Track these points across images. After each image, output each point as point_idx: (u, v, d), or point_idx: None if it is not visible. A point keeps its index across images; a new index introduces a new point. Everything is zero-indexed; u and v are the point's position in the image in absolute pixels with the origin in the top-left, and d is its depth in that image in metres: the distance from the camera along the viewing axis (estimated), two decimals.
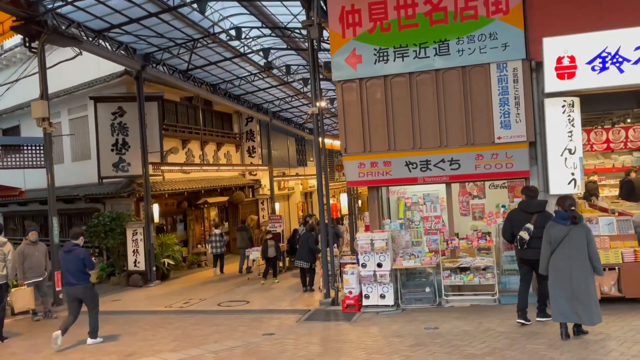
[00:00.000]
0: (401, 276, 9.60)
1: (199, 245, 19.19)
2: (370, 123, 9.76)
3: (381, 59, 9.56)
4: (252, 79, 18.48)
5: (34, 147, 12.82)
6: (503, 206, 9.84)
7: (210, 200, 19.39)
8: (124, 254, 15.00)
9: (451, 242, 9.31)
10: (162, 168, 15.12)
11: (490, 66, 9.11)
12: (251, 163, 22.90)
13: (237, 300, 11.32)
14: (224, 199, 20.60)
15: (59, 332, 7.89)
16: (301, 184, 30.08)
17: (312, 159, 32.93)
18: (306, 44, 15.46)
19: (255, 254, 14.44)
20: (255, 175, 23.22)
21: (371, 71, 9.64)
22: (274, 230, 16.00)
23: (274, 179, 23.88)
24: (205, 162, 19.21)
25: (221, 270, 16.01)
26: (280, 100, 22.34)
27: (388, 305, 9.26)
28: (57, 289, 11.26)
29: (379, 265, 9.35)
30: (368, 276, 9.39)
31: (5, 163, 15.43)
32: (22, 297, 10.24)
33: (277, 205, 23.65)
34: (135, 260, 14.70)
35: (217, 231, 16.22)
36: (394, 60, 9.50)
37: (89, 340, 8.14)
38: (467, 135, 9.28)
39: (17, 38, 14.04)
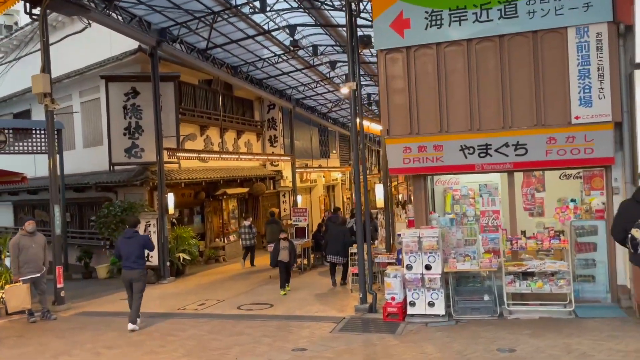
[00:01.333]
0: (452, 281, 8.15)
1: (216, 239, 17.94)
2: (419, 100, 8.31)
3: (433, 23, 8.09)
4: (275, 60, 17.08)
5: (43, 132, 11.69)
6: (573, 200, 8.34)
7: (230, 191, 18.12)
8: None
9: (516, 242, 7.81)
10: (178, 154, 13.84)
11: (568, 31, 7.60)
12: (272, 153, 21.57)
13: (259, 302, 9.98)
14: (244, 190, 19.31)
15: (130, 324, 8.30)
16: (324, 177, 28.69)
17: (334, 151, 31.54)
18: (337, 19, 14.12)
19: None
20: (277, 166, 21.89)
21: (421, 38, 8.19)
22: (298, 224, 14.65)
23: (296, 170, 22.53)
24: (224, 150, 17.90)
25: (252, 263, 15.33)
26: (305, 86, 20.90)
27: (438, 315, 7.84)
28: (59, 285, 10.07)
29: (428, 267, 7.93)
30: (414, 280, 7.97)
31: (12, 148, 14.40)
32: (16, 295, 9.08)
33: (299, 198, 22.31)
34: (148, 255, 13.44)
35: (247, 223, 15.48)
36: (449, 25, 8.03)
37: (130, 326, 8.32)
38: (537, 114, 7.78)
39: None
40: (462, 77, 8.07)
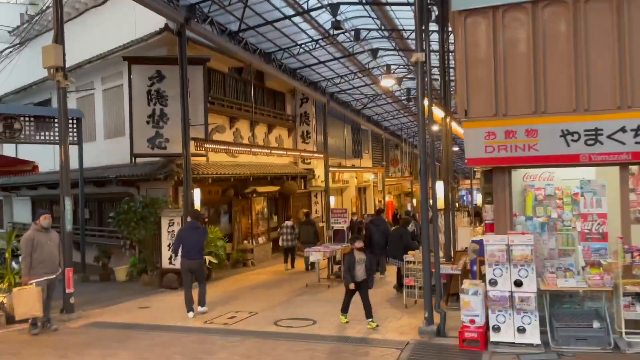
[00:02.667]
0: (547, 301, 6.49)
1: (244, 242, 16.50)
2: (507, 73, 6.69)
3: None
4: (312, 46, 15.58)
5: None
6: None
7: (260, 189, 16.66)
8: (158, 248, 12.45)
9: (639, 254, 6.10)
10: (206, 146, 12.42)
11: None
12: (305, 150, 20.07)
13: (299, 317, 8.44)
14: (275, 188, 17.84)
15: (191, 313, 8.75)
16: (356, 178, 27.09)
17: (367, 151, 29.93)
18: None
19: (316, 255, 11.46)
20: (309, 164, 20.37)
21: None
22: (337, 225, 13.10)
23: (329, 169, 20.98)
24: (255, 144, 16.46)
25: (292, 265, 14.70)
26: (341, 78, 19.34)
27: (531, 345, 6.19)
28: (68, 290, 8.69)
29: (518, 283, 6.30)
30: (500, 299, 6.34)
31: (29, 137, 13.23)
32: (25, 300, 7.67)
33: (332, 199, 20.77)
34: (171, 257, 12.09)
35: (289, 223, 14.87)
36: None
37: (200, 309, 8.94)
38: None
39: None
40: (564, 44, 6.43)
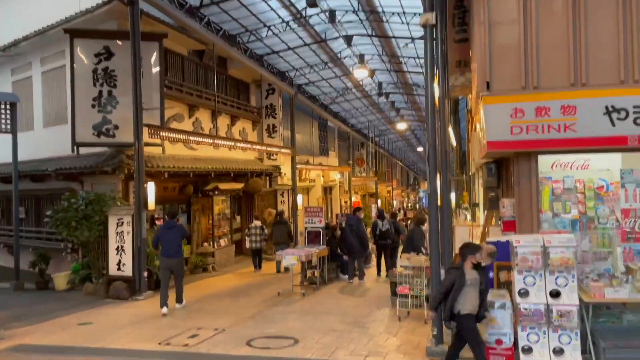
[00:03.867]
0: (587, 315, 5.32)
1: (205, 244, 14.88)
2: (540, 37, 5.49)
3: None
4: (282, 28, 14.18)
5: None
6: None
7: (223, 186, 15.09)
8: (105, 252, 10.73)
9: None
10: (162, 134, 10.77)
11: None
12: (271, 144, 18.58)
13: (276, 336, 7.01)
14: (239, 185, 16.29)
15: (165, 308, 8.51)
16: (322, 177, 25.77)
17: (333, 150, 28.69)
18: None
19: (290, 258, 10.06)
20: (275, 160, 18.88)
21: None
22: (312, 226, 11.72)
23: (297, 166, 19.58)
24: (217, 136, 14.87)
25: (259, 267, 13.76)
26: (310, 68, 18.04)
27: None
28: None
29: (555, 294, 5.10)
30: (533, 313, 5.13)
31: None
32: None
33: (299, 198, 19.39)
34: (120, 262, 10.43)
35: (258, 223, 13.85)
36: None
37: (177, 305, 8.94)
38: None
39: None
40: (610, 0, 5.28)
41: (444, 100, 6.52)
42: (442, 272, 6.07)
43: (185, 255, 13.56)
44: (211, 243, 15.17)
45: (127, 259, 10.41)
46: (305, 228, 11.78)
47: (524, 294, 5.19)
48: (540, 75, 5.49)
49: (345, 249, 11.77)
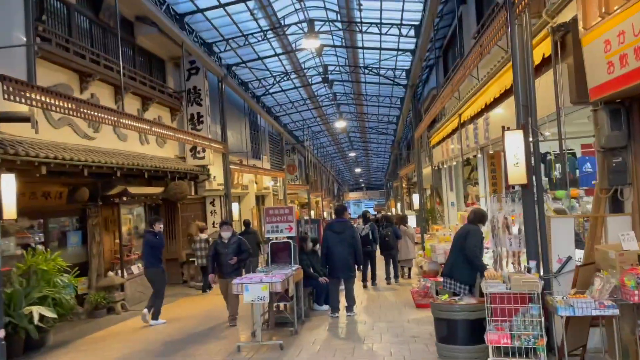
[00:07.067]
0: None
1: (110, 273, 10.43)
2: None
3: None
4: None
5: None
6: None
7: (134, 190, 10.79)
8: None
9: None
10: (31, 95, 6.44)
11: None
12: (199, 135, 14.44)
13: None
14: (157, 190, 12.04)
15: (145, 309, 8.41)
16: (256, 183, 21.81)
17: (265, 154, 24.80)
18: None
19: (256, 290, 6.07)
20: (203, 158, 14.71)
21: None
22: (277, 236, 7.86)
23: (230, 168, 15.55)
24: (125, 113, 10.50)
25: (207, 288, 11.97)
26: (245, 38, 14.21)
27: None
28: None
29: None
30: None
31: None
32: None
33: (234, 207, 15.38)
34: None
35: (203, 236, 12.27)
36: None
37: (145, 316, 8.38)
38: None
39: None
40: None
41: None
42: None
43: (79, 290, 9.32)
44: (119, 271, 10.76)
45: None
46: (267, 239, 7.90)
47: None
48: None
49: (327, 267, 8.08)
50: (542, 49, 5.38)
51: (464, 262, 5.79)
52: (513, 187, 5.20)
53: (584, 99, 4.90)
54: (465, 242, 5.82)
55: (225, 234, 8.12)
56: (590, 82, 4.64)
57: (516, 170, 4.96)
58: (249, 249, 8.25)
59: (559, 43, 5.16)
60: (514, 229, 5.40)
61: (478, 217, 6.17)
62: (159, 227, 9.10)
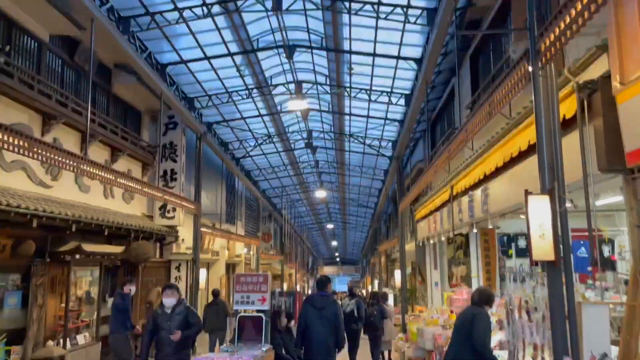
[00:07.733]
0: None
1: (50, 342, 9.00)
2: None
3: None
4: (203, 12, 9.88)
5: None
6: None
7: (89, 247, 9.59)
8: None
9: None
10: None
11: None
12: (170, 192, 13.43)
13: None
14: (116, 249, 10.83)
15: None
16: (227, 249, 20.55)
17: (240, 219, 23.72)
18: None
19: None
20: (172, 218, 13.64)
21: None
22: (246, 306, 6.76)
23: (201, 230, 14.45)
24: (88, 160, 9.51)
25: None
26: (229, 95, 13.66)
27: None
28: None
29: None
30: None
31: None
32: None
33: (202, 274, 14.14)
34: None
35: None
36: None
37: None
38: None
39: None
40: None
41: None
42: None
43: None
44: (61, 340, 9.33)
45: None
46: (235, 312, 6.78)
47: None
48: None
49: (302, 348, 6.93)
50: (564, 109, 4.75)
51: (471, 354, 4.80)
52: (537, 263, 4.36)
53: (618, 165, 4.21)
54: (472, 329, 4.86)
55: (168, 301, 6.05)
56: (628, 145, 3.97)
57: (542, 243, 4.14)
58: (198, 323, 6.19)
59: (585, 102, 4.54)
60: (537, 315, 4.49)
61: (484, 299, 5.25)
62: (129, 289, 8.72)
